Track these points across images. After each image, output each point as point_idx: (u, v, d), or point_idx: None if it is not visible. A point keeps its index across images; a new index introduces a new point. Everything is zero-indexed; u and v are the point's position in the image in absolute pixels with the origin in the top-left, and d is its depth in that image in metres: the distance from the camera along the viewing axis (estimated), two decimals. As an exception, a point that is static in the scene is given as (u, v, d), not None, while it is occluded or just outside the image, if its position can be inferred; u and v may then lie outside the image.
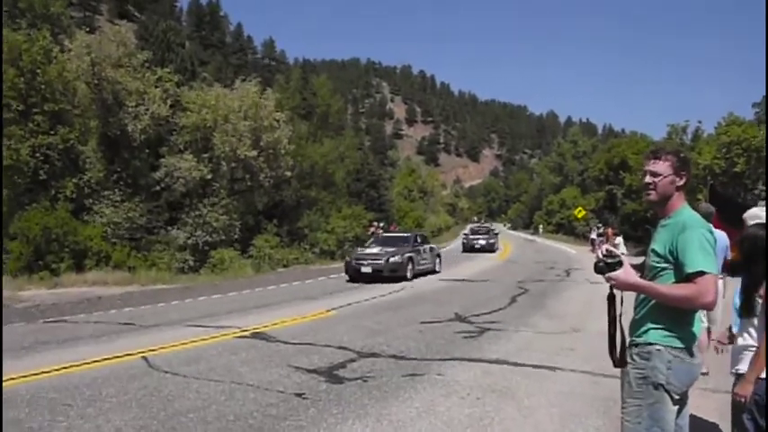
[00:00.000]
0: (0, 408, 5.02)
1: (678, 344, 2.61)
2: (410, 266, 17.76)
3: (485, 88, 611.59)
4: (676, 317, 2.62)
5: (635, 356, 2.70)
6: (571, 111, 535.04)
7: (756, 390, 3.08)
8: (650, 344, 2.65)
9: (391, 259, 17.32)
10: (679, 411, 2.71)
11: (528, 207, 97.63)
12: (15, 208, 19.88)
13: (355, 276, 17.31)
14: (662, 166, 2.74)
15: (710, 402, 5.28)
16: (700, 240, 2.56)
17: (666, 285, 2.61)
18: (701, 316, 2.77)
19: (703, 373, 5.29)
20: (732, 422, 3.36)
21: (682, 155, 2.79)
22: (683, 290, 2.53)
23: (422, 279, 17.89)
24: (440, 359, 7.22)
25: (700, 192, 25.67)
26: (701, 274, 2.50)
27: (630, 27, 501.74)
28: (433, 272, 19.68)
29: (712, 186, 7.15)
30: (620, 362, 2.78)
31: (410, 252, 18.26)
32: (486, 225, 36.38)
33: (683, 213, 2.70)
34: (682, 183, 2.74)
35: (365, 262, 17.37)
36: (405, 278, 17.19)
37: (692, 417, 2.89)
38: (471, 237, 36.01)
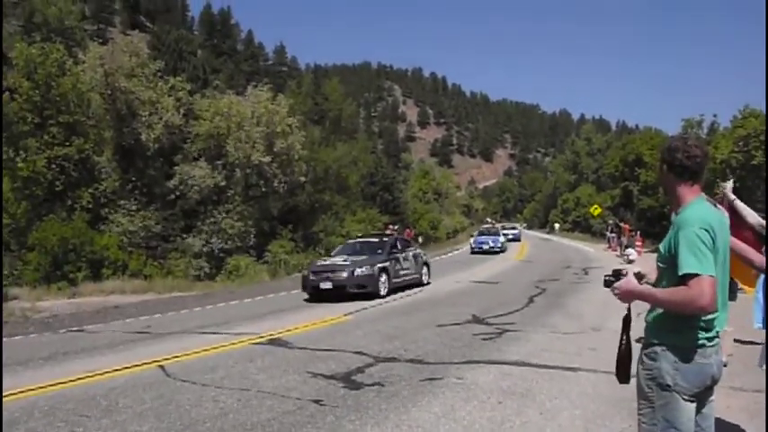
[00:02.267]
0: (0, 414, 5.01)
1: (685, 343, 2.51)
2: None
3: (496, 88, 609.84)
4: (684, 316, 2.49)
5: (644, 357, 2.62)
6: (584, 108, 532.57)
7: None
8: (656, 344, 2.57)
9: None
10: (699, 411, 2.60)
11: (543, 206, 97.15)
12: (33, 219, 20.10)
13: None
14: (658, 163, 2.73)
15: (738, 401, 5.14)
16: (691, 239, 2.42)
17: (662, 290, 2.52)
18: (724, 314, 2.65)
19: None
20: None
21: (666, 145, 2.70)
22: (677, 294, 2.41)
23: (438, 282, 17.71)
24: (458, 362, 7.12)
25: (717, 186, 25.27)
26: (692, 276, 2.37)
27: (641, 22, 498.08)
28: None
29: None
30: (623, 378, 2.79)
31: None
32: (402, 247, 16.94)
33: (685, 210, 2.57)
34: (673, 173, 2.64)
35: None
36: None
37: (718, 417, 2.77)
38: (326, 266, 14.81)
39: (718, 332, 2.56)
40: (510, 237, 44.66)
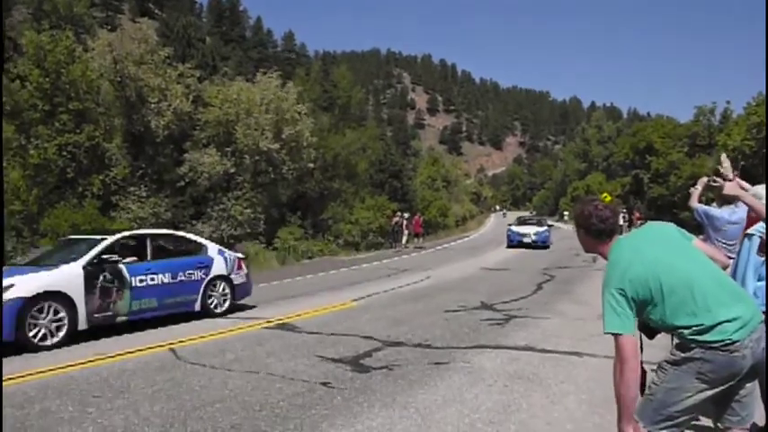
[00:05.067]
0: (0, 406, 5.11)
1: (714, 337, 2.51)
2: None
3: (506, 75, 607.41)
4: (699, 324, 2.54)
5: (676, 348, 2.65)
6: (594, 95, 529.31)
7: None
8: (692, 346, 2.57)
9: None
10: (736, 399, 2.62)
11: (553, 194, 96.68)
12: (45, 206, 20.25)
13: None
14: (575, 228, 3.04)
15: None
16: (607, 302, 2.67)
17: (615, 385, 2.66)
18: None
19: None
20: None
21: (578, 212, 2.92)
22: (617, 376, 2.62)
23: (446, 269, 17.78)
24: (465, 347, 7.16)
25: (720, 165, 24.99)
26: (613, 335, 2.64)
27: (654, 8, 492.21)
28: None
29: (743, 168, 6.93)
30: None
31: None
32: None
33: (607, 267, 2.77)
34: (591, 236, 2.88)
35: None
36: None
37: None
38: None
39: (747, 321, 2.52)
40: (530, 241, 26.68)
